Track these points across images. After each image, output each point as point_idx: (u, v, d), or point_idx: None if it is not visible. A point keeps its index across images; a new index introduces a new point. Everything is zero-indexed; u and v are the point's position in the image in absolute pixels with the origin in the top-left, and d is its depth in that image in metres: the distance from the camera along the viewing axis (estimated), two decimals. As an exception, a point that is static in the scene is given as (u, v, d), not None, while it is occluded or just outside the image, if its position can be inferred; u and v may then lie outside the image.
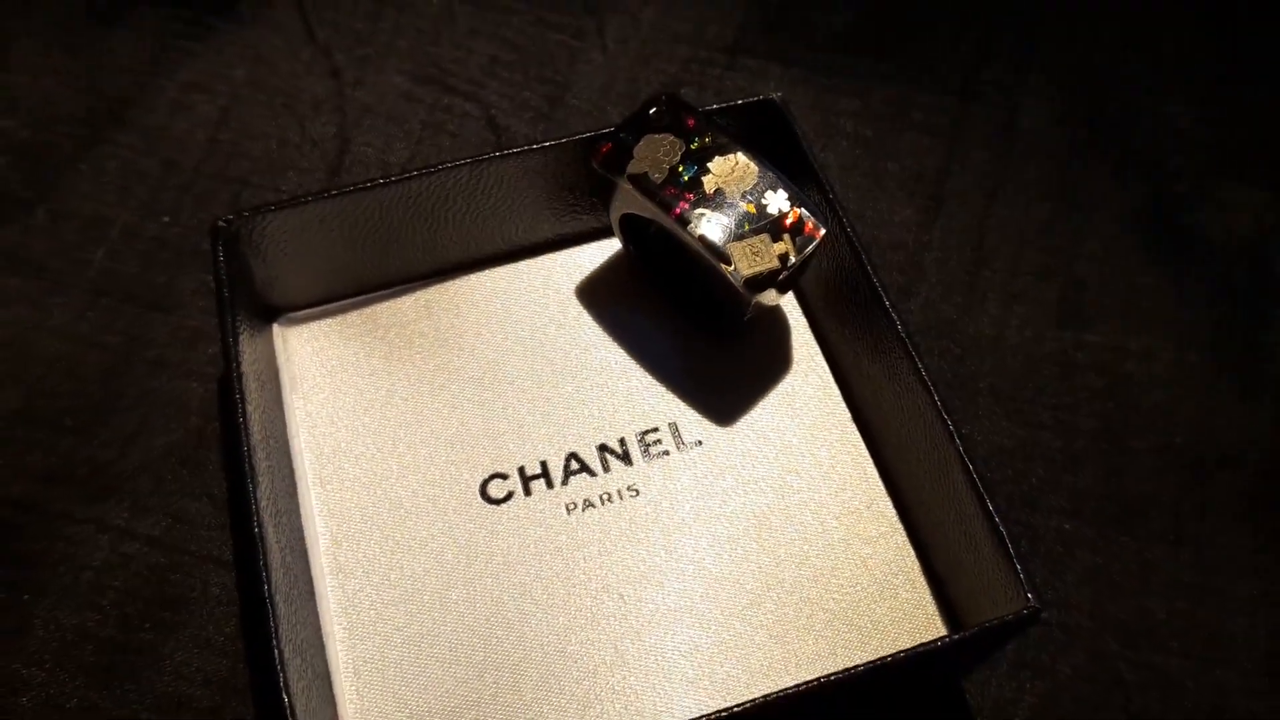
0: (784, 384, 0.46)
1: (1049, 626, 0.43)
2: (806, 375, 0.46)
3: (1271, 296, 0.51)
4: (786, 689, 0.33)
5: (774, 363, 0.46)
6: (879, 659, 0.34)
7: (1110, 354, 0.49)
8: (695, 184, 0.41)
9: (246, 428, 0.37)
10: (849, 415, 0.45)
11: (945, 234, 0.52)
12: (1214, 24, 0.60)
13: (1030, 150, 0.55)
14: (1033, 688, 0.42)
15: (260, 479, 0.36)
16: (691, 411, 0.45)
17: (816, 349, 0.47)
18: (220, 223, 0.41)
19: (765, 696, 0.33)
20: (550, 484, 0.43)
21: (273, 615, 0.33)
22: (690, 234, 0.41)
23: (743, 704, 0.33)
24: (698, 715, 0.33)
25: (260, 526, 0.35)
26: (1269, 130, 0.56)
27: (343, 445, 0.43)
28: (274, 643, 0.33)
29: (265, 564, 0.34)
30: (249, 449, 0.36)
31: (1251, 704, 0.42)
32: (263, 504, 0.36)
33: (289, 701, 0.32)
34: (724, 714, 0.32)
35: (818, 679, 0.33)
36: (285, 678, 0.32)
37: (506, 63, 0.56)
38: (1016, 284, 0.51)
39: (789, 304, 0.48)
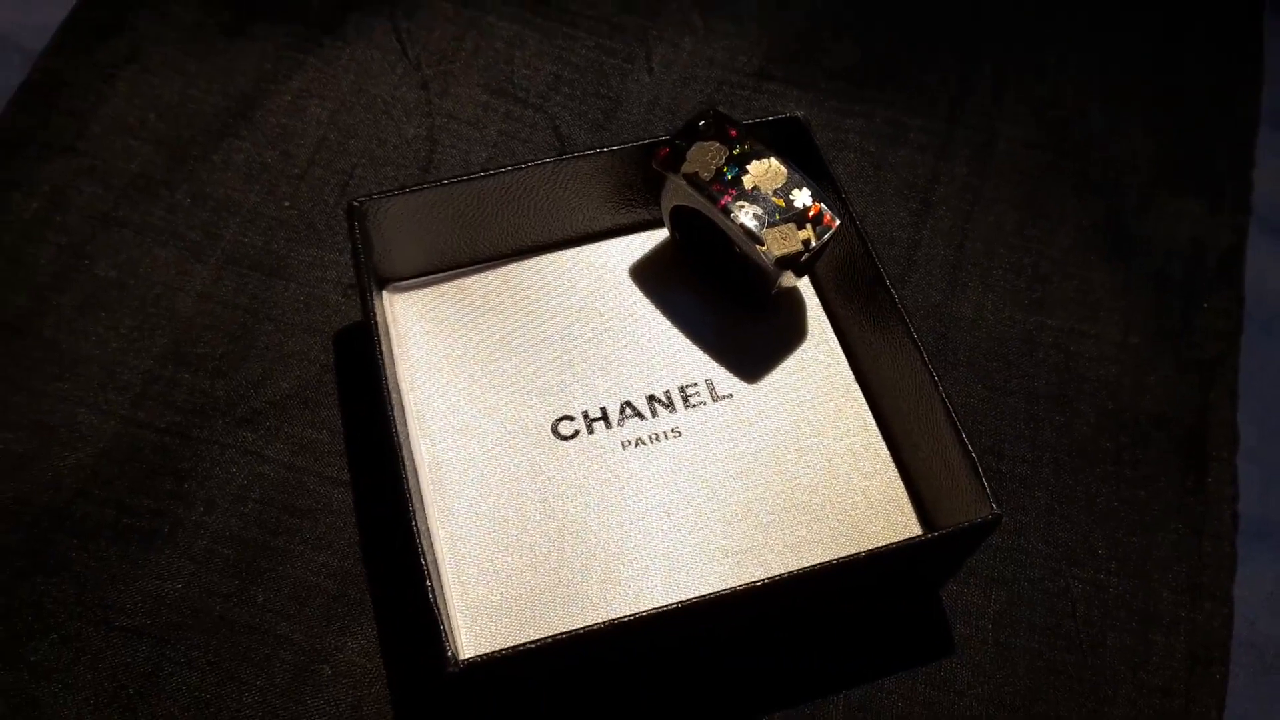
0: (800, 350, 0.53)
1: (1012, 551, 0.52)
2: (819, 343, 0.53)
3: (1201, 290, 0.59)
4: (797, 570, 0.42)
5: (792, 333, 0.54)
6: (870, 549, 0.42)
7: (1066, 335, 0.57)
8: (736, 182, 0.49)
9: (382, 362, 0.46)
10: (852, 376, 0.52)
11: (933, 233, 0.60)
12: (1164, 63, 0.68)
13: (1005, 168, 0.63)
14: (997, 597, 0.50)
15: (393, 402, 0.45)
16: (723, 370, 0.52)
17: (827, 322, 0.54)
18: (354, 203, 0.49)
19: (786, 573, 0.42)
20: (609, 425, 0.51)
21: (410, 499, 0.42)
22: (732, 222, 0.49)
23: (770, 577, 0.41)
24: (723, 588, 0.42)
25: (396, 436, 0.44)
26: (1202, 154, 0.64)
27: (438, 391, 0.51)
28: (413, 522, 0.41)
29: (401, 462, 0.43)
30: (385, 377, 0.45)
31: (1176, 612, 0.50)
32: (396, 422, 0.45)
33: (425, 565, 0.41)
34: (756, 585, 0.41)
35: (823, 562, 0.42)
36: (420, 545, 0.41)
37: (569, 80, 0.64)
38: (991, 276, 0.59)
39: (805, 285, 0.55)
